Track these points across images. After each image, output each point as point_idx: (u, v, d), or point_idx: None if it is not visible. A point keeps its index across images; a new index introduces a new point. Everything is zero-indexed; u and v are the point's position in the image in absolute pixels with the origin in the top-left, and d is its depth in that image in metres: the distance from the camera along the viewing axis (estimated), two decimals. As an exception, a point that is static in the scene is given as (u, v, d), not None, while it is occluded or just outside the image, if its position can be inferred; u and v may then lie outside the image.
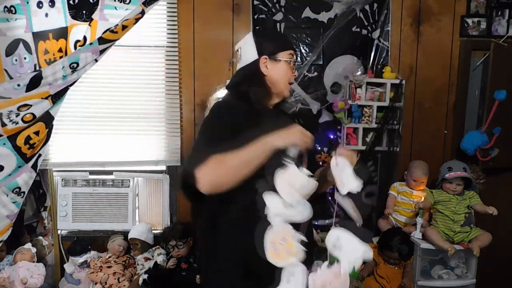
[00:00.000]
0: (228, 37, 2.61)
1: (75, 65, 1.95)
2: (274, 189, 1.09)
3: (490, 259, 2.77)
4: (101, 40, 1.96)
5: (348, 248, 1.06)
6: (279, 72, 1.37)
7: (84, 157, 2.61)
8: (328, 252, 1.09)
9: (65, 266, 2.54)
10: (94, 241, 2.68)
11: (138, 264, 2.51)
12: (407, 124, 2.71)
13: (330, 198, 2.68)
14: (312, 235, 1.43)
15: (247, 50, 1.38)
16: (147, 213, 2.76)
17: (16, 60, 2.14)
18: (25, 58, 2.14)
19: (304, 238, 1.08)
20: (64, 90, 2.06)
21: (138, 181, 2.73)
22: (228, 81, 1.48)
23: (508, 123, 2.64)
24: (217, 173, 1.11)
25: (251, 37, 1.39)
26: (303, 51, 2.64)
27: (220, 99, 1.41)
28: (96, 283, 2.43)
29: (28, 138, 2.03)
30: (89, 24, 2.09)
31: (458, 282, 2.41)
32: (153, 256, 2.51)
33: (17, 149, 2.02)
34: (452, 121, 2.76)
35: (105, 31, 1.97)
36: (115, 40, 2.01)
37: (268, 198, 1.08)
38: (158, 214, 2.74)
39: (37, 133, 2.06)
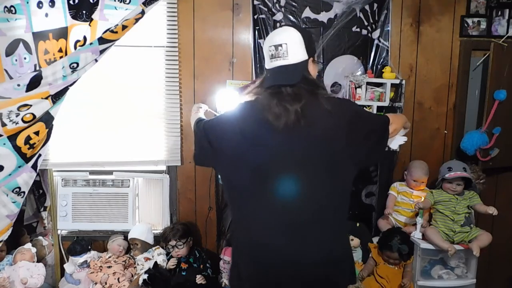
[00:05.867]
0: (228, 37, 2.61)
1: (75, 65, 1.95)
2: None
3: (490, 259, 2.78)
4: (101, 40, 1.96)
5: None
6: (314, 73, 1.48)
7: (84, 157, 2.61)
8: None
9: (65, 266, 2.54)
10: (94, 241, 2.68)
11: (138, 264, 2.51)
12: (407, 124, 2.71)
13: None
14: None
15: (297, 48, 1.39)
16: (147, 213, 2.76)
17: (16, 60, 2.13)
18: (25, 58, 2.14)
19: None
20: (64, 90, 2.06)
21: (138, 181, 2.73)
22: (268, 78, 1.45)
23: (508, 123, 2.64)
24: None
25: (299, 36, 1.40)
26: (303, 51, 2.64)
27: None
28: (96, 283, 2.43)
29: (28, 138, 2.03)
30: (89, 24, 2.09)
31: (458, 282, 2.40)
32: (153, 256, 2.51)
33: (17, 149, 2.02)
34: (452, 121, 2.76)
35: (105, 31, 1.97)
36: (115, 40, 2.01)
37: None
38: (158, 214, 2.74)
39: (37, 133, 2.06)
